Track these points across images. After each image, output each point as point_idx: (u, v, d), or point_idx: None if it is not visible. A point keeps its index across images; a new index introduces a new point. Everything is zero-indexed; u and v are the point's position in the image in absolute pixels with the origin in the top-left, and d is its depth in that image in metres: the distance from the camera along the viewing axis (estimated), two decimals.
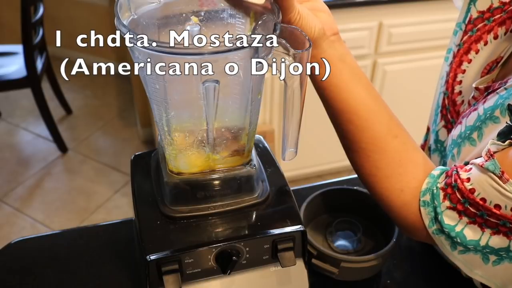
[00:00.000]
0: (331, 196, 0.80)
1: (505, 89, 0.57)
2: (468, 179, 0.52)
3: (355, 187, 0.80)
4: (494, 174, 0.49)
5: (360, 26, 1.82)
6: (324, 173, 2.26)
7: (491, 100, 0.58)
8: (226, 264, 0.59)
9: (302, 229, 0.61)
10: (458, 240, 0.54)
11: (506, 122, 0.53)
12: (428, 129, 0.82)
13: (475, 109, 0.61)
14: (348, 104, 0.59)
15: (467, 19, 0.68)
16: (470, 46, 0.67)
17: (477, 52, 0.66)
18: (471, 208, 0.52)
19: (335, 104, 0.59)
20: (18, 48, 2.35)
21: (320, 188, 0.80)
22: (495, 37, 0.64)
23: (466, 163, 0.56)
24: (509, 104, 0.53)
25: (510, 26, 0.62)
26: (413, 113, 1.85)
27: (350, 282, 0.73)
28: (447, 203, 0.54)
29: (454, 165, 0.57)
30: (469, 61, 0.67)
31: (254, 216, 0.61)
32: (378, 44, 1.89)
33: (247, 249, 0.60)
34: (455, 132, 0.65)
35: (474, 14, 0.66)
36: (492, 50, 0.64)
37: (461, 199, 0.53)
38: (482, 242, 0.53)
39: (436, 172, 0.58)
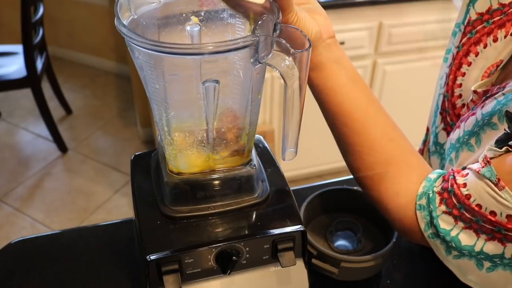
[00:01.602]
0: (331, 196, 0.80)
1: (503, 94, 0.56)
2: (465, 185, 0.52)
3: (355, 187, 0.79)
4: (490, 181, 0.49)
5: (360, 26, 1.82)
6: (324, 173, 2.26)
7: (489, 105, 0.58)
8: (226, 264, 0.59)
9: (302, 229, 0.61)
10: (453, 245, 0.54)
11: (504, 129, 0.53)
12: (427, 129, 0.82)
13: (473, 114, 0.61)
14: (344, 107, 0.59)
15: (466, 20, 0.67)
16: (469, 48, 0.67)
17: (476, 54, 0.66)
18: (466, 214, 0.52)
19: (331, 107, 0.60)
20: (18, 48, 2.35)
21: (320, 188, 0.80)
22: (495, 40, 0.63)
23: (464, 168, 0.55)
24: (507, 111, 0.53)
25: (510, 29, 0.62)
26: (413, 113, 1.85)
27: (350, 282, 0.73)
28: (443, 207, 0.54)
29: (451, 169, 0.57)
30: (469, 64, 0.67)
31: (254, 216, 0.61)
32: (378, 44, 1.89)
33: (247, 249, 0.60)
34: (454, 136, 0.64)
35: (473, 15, 0.66)
36: (492, 53, 0.64)
37: (457, 204, 0.53)
38: (477, 248, 0.53)
39: (432, 175, 0.58)
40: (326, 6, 1.77)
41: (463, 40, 0.68)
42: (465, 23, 0.67)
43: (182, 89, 0.54)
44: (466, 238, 0.53)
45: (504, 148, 0.50)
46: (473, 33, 0.66)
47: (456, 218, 0.53)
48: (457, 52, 0.69)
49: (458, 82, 0.69)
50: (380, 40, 1.88)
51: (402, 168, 0.59)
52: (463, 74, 0.68)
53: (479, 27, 0.65)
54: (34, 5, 2.20)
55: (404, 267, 0.79)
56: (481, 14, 0.65)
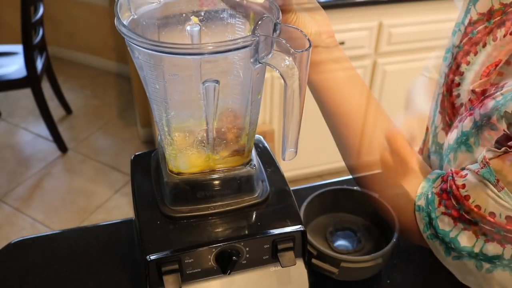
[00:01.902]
0: (331, 196, 0.80)
1: (502, 94, 0.56)
2: (464, 186, 0.52)
3: (355, 187, 0.79)
4: (489, 182, 0.49)
5: (360, 26, 1.82)
6: (324, 173, 2.26)
7: (487, 106, 0.57)
8: (226, 264, 0.59)
9: (302, 229, 0.61)
10: (452, 246, 0.54)
11: (504, 130, 0.53)
12: (427, 129, 0.82)
13: (471, 114, 0.60)
14: (343, 108, 0.59)
15: (467, 20, 0.67)
16: (469, 48, 0.66)
17: (475, 54, 0.65)
18: (466, 215, 0.52)
19: (330, 107, 0.59)
20: (18, 48, 2.35)
21: (320, 188, 0.80)
22: (494, 39, 0.63)
23: (463, 169, 0.55)
24: (505, 112, 0.53)
25: (509, 28, 0.62)
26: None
27: (350, 282, 0.73)
28: (442, 208, 0.54)
29: (450, 170, 0.56)
30: (468, 63, 0.67)
31: (254, 216, 0.61)
32: (378, 44, 1.89)
33: (247, 249, 0.60)
34: (452, 136, 0.64)
35: (474, 16, 0.65)
36: (491, 52, 0.64)
37: (456, 205, 0.52)
38: (476, 249, 0.53)
39: (432, 176, 0.58)
40: (326, 6, 1.77)
41: (464, 40, 0.67)
42: (466, 23, 0.67)
43: (182, 89, 0.54)
44: (465, 239, 0.53)
45: (503, 149, 0.50)
46: (474, 33, 0.66)
47: (455, 219, 0.53)
48: (457, 52, 0.68)
49: (456, 81, 0.69)
50: (380, 40, 1.88)
51: (402, 169, 0.59)
52: (462, 74, 0.68)
53: (480, 27, 0.65)
54: (34, 5, 2.20)
55: (404, 267, 0.79)
56: (483, 14, 0.64)
